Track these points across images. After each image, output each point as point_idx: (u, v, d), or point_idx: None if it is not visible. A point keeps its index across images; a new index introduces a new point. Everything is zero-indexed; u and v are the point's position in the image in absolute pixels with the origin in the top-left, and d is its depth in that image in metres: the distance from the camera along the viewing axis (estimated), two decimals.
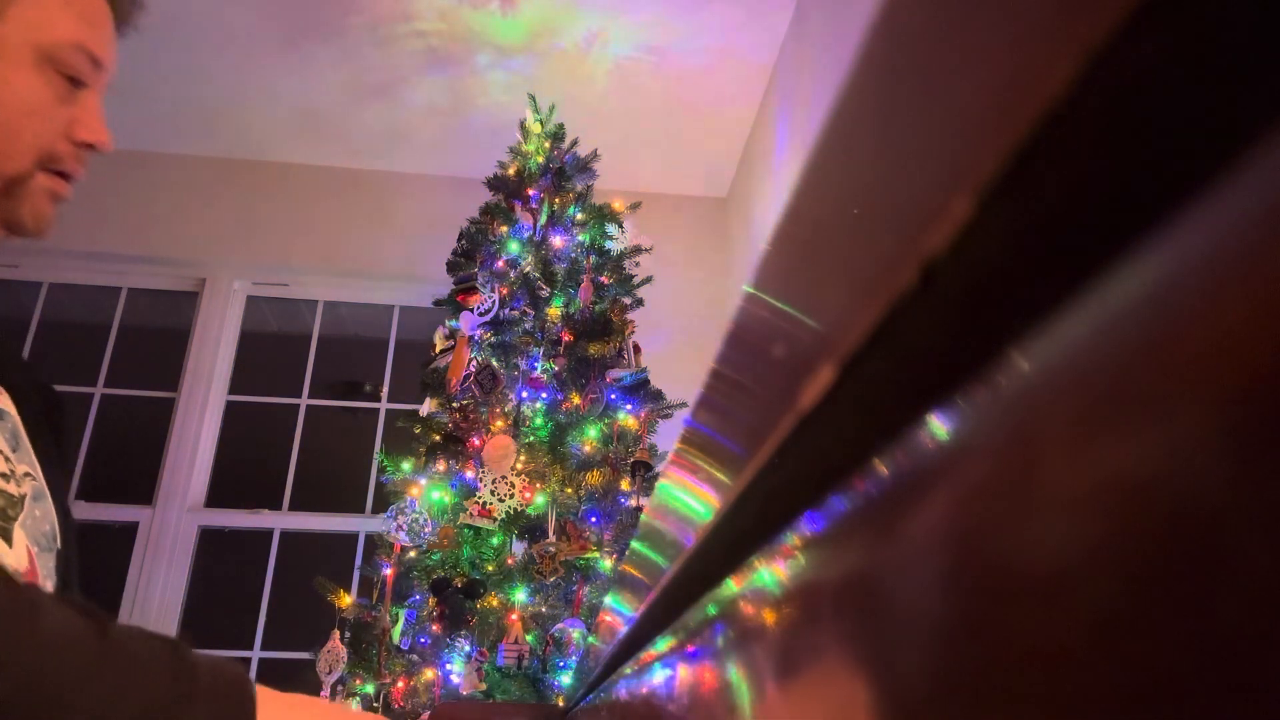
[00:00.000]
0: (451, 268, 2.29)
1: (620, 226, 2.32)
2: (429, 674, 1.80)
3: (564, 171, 2.35)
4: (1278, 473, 0.08)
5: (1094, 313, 0.11)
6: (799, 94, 2.60)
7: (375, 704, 1.83)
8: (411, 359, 2.80)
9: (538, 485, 1.92)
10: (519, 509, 1.88)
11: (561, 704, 1.63)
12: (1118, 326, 0.10)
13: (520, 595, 1.82)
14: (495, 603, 1.83)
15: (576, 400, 2.04)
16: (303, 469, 2.99)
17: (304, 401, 3.09)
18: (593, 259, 2.25)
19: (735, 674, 0.25)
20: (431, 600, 1.84)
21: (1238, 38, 0.09)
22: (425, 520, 1.91)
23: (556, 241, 2.27)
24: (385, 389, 3.12)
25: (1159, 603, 0.09)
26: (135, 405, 3.06)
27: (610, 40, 2.77)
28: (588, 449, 1.97)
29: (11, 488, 0.69)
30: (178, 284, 3.16)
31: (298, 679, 2.34)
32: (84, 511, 2.77)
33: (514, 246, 2.26)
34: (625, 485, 1.93)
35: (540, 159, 2.38)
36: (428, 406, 2.17)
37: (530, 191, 2.33)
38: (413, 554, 1.93)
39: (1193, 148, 0.10)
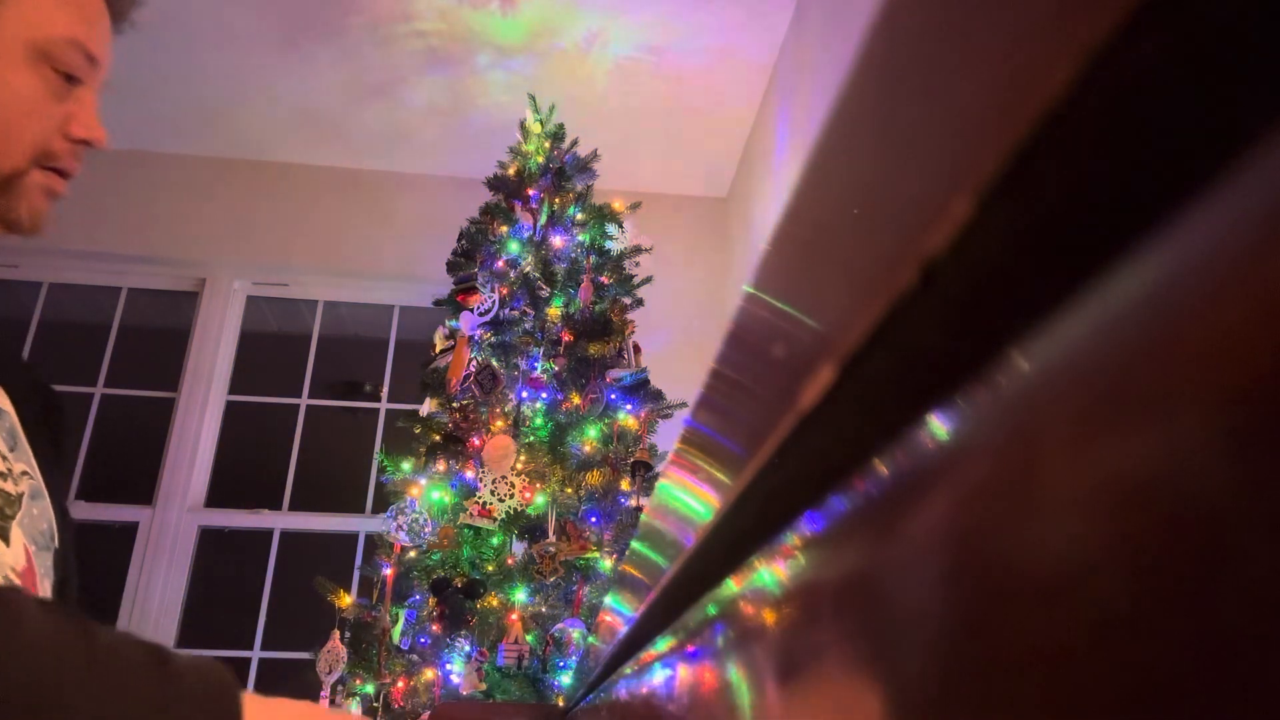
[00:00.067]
0: (451, 268, 2.29)
1: (620, 226, 2.32)
2: (429, 674, 1.80)
3: (564, 171, 2.35)
4: (1278, 473, 0.08)
5: (1094, 313, 0.11)
6: (799, 94, 2.60)
7: (375, 704, 1.83)
8: (411, 359, 2.80)
9: (538, 485, 1.92)
10: (519, 509, 1.88)
11: (561, 704, 1.63)
12: (1118, 326, 0.10)
13: (520, 595, 1.82)
14: (495, 603, 1.83)
15: (576, 400, 2.04)
16: (303, 469, 2.99)
17: (304, 401, 3.09)
18: (593, 259, 2.25)
19: (735, 674, 0.25)
20: (431, 600, 1.84)
21: (1238, 38, 0.09)
22: (425, 520, 1.91)
23: (556, 241, 2.27)
24: (385, 389, 3.12)
25: (1160, 603, 0.09)
26: (135, 405, 3.06)
27: (610, 40, 2.77)
28: (588, 449, 1.97)
29: (9, 486, 0.69)
30: (178, 284, 3.16)
31: (298, 679, 2.34)
32: (84, 511, 2.77)
33: (514, 246, 2.26)
34: (625, 485, 1.93)
35: (540, 159, 2.38)
36: (428, 406, 2.17)
37: (530, 191, 2.33)
38: (413, 554, 1.93)
39: (1193, 148, 0.10)
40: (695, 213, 3.32)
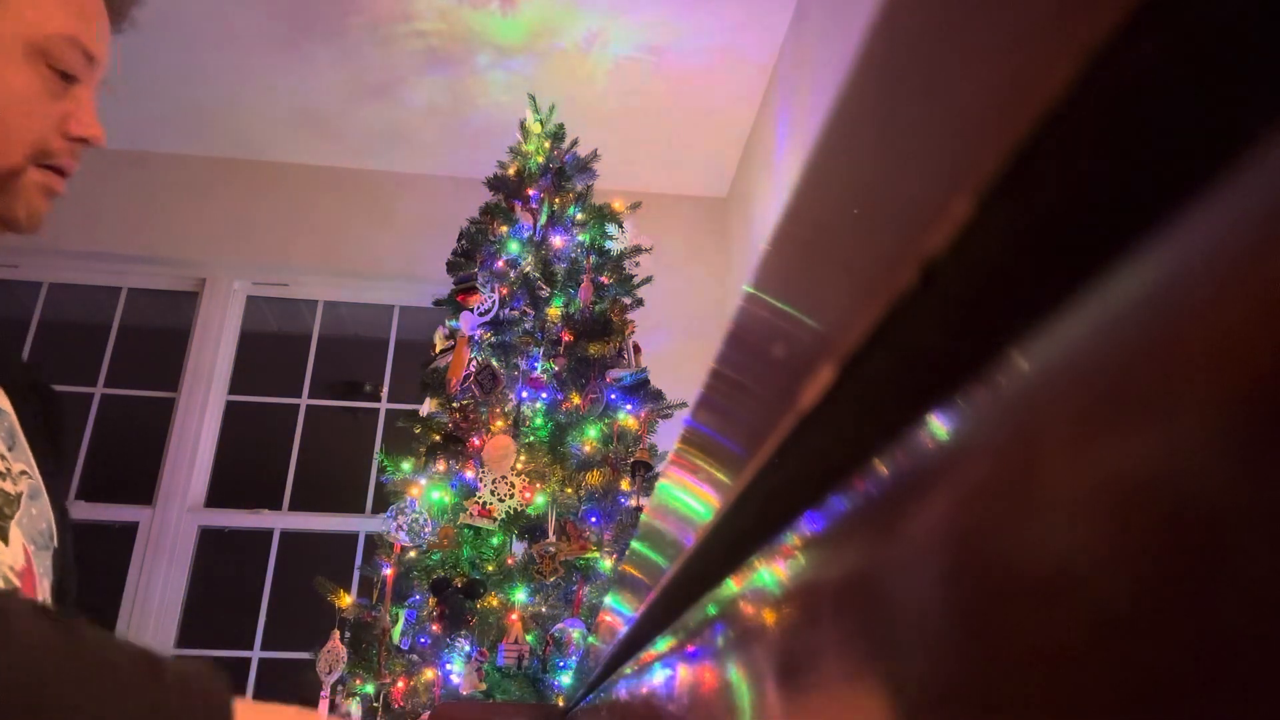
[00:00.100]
0: (451, 268, 2.29)
1: (620, 226, 2.32)
2: (429, 674, 1.80)
3: (564, 171, 2.35)
4: (1278, 473, 0.08)
5: (1094, 313, 0.11)
6: (799, 94, 2.60)
7: (375, 704, 1.84)
8: (411, 359, 2.80)
9: (538, 485, 1.92)
10: (519, 509, 1.88)
11: (561, 704, 1.63)
12: (1118, 326, 0.10)
13: (520, 595, 1.82)
14: (495, 603, 1.83)
15: (576, 400, 2.04)
16: (303, 469, 2.99)
17: (304, 401, 3.09)
18: (593, 259, 2.25)
19: (735, 674, 0.25)
20: (431, 600, 1.84)
21: (1238, 38, 0.09)
22: (425, 520, 1.91)
23: (556, 241, 2.27)
24: (385, 389, 3.12)
25: (1160, 603, 0.09)
26: (135, 405, 3.06)
27: (610, 40, 2.77)
28: (588, 449, 1.97)
29: (7, 485, 0.69)
30: (178, 284, 3.16)
31: (298, 679, 2.34)
32: (84, 511, 2.77)
33: (514, 246, 2.26)
34: (625, 485, 1.93)
35: (540, 159, 2.38)
36: (428, 406, 2.17)
37: (530, 191, 2.33)
38: (413, 554, 1.93)
39: (1193, 148, 0.10)
40: (695, 213, 3.32)
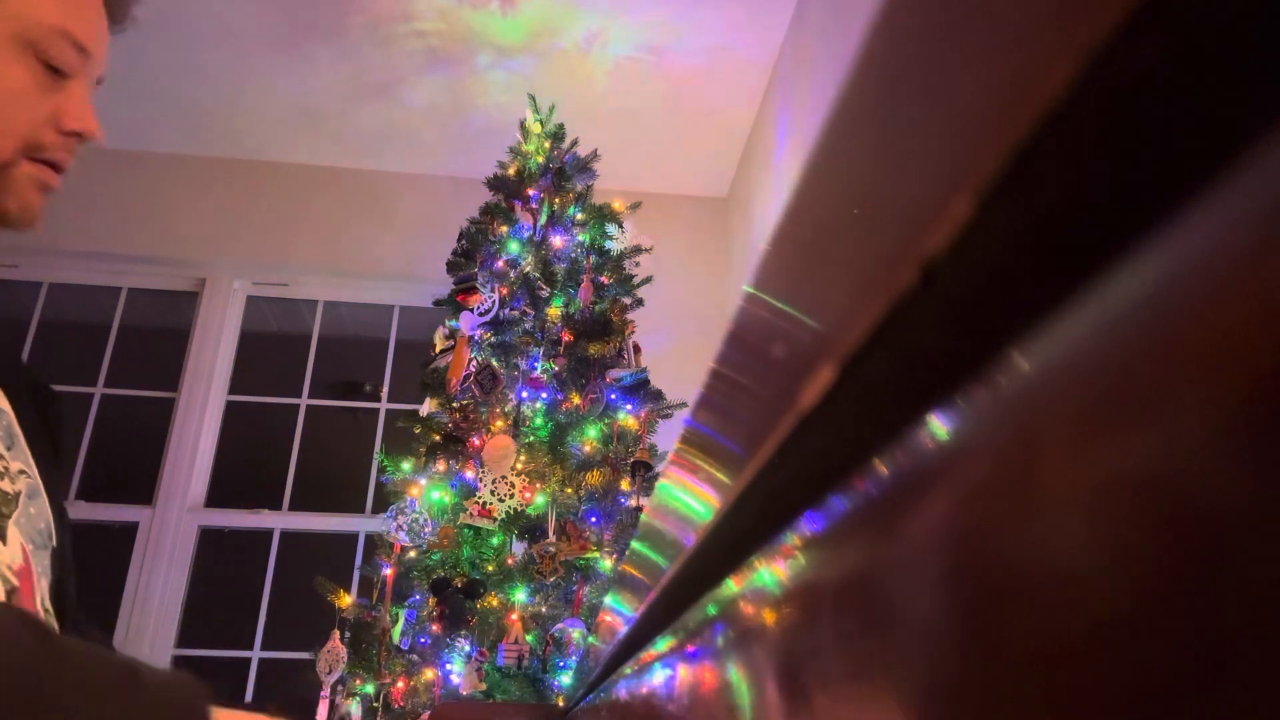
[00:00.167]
0: (451, 268, 2.29)
1: (620, 226, 2.32)
2: (429, 674, 1.80)
3: (564, 171, 2.35)
4: (1278, 473, 0.08)
5: (1094, 313, 0.11)
6: (799, 94, 2.60)
7: (375, 704, 1.84)
8: (411, 359, 2.80)
9: (538, 485, 1.92)
10: (519, 509, 1.88)
11: (561, 704, 1.63)
12: (1118, 326, 0.10)
13: (520, 595, 1.82)
14: (495, 603, 1.83)
15: (576, 400, 2.04)
16: (303, 469, 2.99)
17: (304, 401, 3.09)
18: (593, 259, 2.25)
19: (735, 674, 0.25)
20: (431, 600, 1.84)
21: (1238, 38, 0.09)
22: (425, 520, 1.91)
23: (556, 241, 2.27)
24: (385, 389, 3.13)
25: (1160, 603, 0.09)
26: (135, 405, 3.06)
27: (610, 40, 2.77)
28: (588, 449, 1.97)
29: (5, 485, 0.69)
30: (178, 284, 3.16)
31: (298, 679, 2.34)
32: (84, 511, 2.77)
33: (514, 246, 2.26)
34: (625, 485, 1.93)
35: (540, 159, 2.38)
36: (428, 406, 2.17)
37: (530, 191, 2.33)
38: (413, 554, 1.93)
39: (1193, 148, 0.10)
40: (695, 213, 3.32)
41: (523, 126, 2.49)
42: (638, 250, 2.32)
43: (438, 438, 2.02)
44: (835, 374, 0.15)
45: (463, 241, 2.33)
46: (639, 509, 1.90)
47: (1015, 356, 0.12)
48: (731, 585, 0.27)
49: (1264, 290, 0.08)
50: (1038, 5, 0.10)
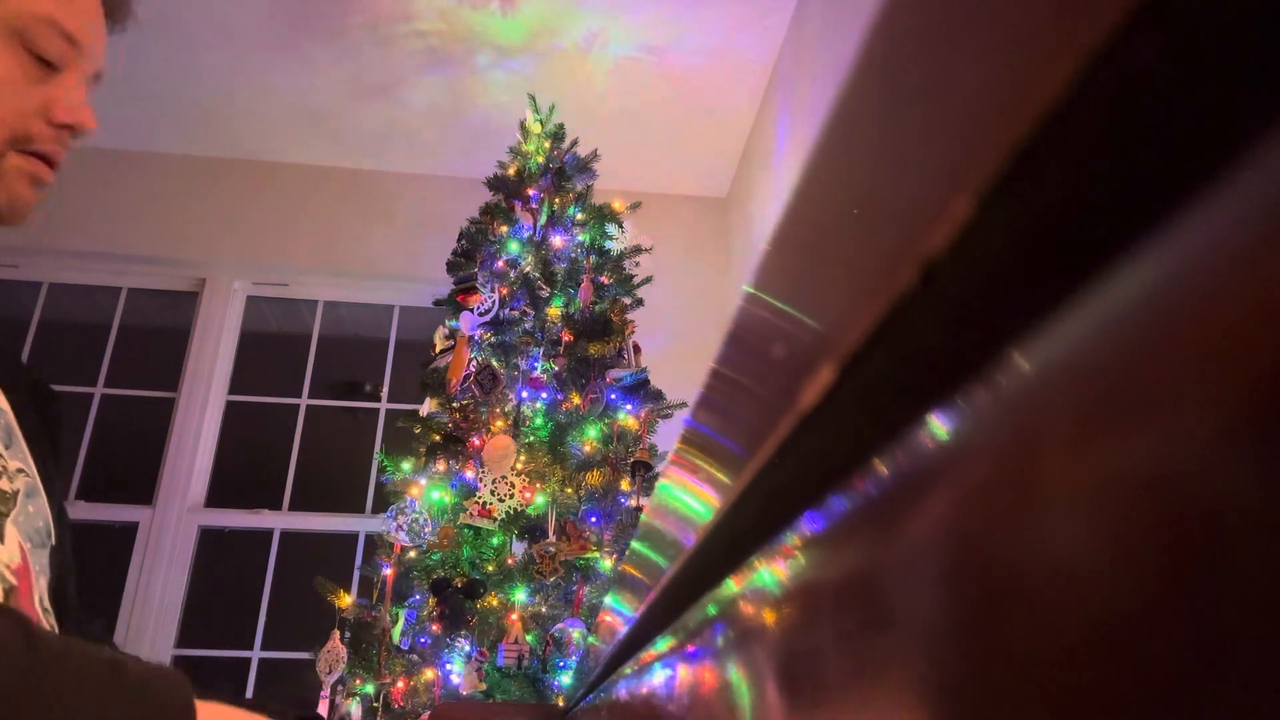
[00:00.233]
0: (451, 268, 2.29)
1: (620, 226, 2.32)
2: (429, 674, 1.80)
3: (564, 171, 2.35)
4: (1279, 473, 0.08)
5: (1094, 313, 0.11)
6: (799, 94, 2.60)
7: (375, 704, 1.84)
8: (411, 359, 2.80)
9: (538, 485, 1.92)
10: (519, 509, 1.88)
11: (561, 704, 1.63)
12: (1118, 326, 0.10)
13: (520, 595, 1.82)
14: (495, 603, 1.83)
15: (576, 400, 2.04)
16: (303, 469, 2.99)
17: (304, 401, 3.09)
18: (593, 259, 2.25)
19: (735, 674, 0.25)
20: (431, 600, 1.84)
21: (1238, 38, 0.09)
22: (425, 520, 1.91)
23: (556, 241, 2.27)
24: (385, 389, 3.13)
25: (1160, 603, 0.09)
26: (135, 405, 3.06)
27: (610, 40, 2.77)
28: (588, 449, 1.97)
29: (4, 483, 0.69)
30: (178, 284, 3.16)
31: (298, 679, 2.34)
32: (84, 511, 2.77)
33: (514, 246, 2.26)
34: (625, 485, 1.93)
35: (540, 159, 2.38)
36: (428, 406, 2.17)
37: (530, 191, 2.33)
38: (413, 554, 1.93)
39: (1193, 148, 0.10)
40: (695, 213, 3.32)
41: (523, 126, 2.49)
42: (638, 250, 2.32)
43: (438, 438, 2.02)
44: (835, 374, 0.15)
45: (463, 241, 2.33)
46: (639, 509, 1.90)
47: (1015, 356, 0.12)
48: (731, 585, 0.27)
49: (1264, 290, 0.08)
50: (1038, 5, 0.10)
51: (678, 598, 0.34)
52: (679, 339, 2.77)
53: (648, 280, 2.30)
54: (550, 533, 1.85)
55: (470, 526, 1.89)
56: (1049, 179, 0.11)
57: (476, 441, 1.99)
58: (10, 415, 0.73)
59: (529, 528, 1.89)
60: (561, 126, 2.47)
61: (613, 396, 2.04)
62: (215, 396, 3.01)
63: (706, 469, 0.26)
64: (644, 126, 3.04)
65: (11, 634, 0.47)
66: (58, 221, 2.86)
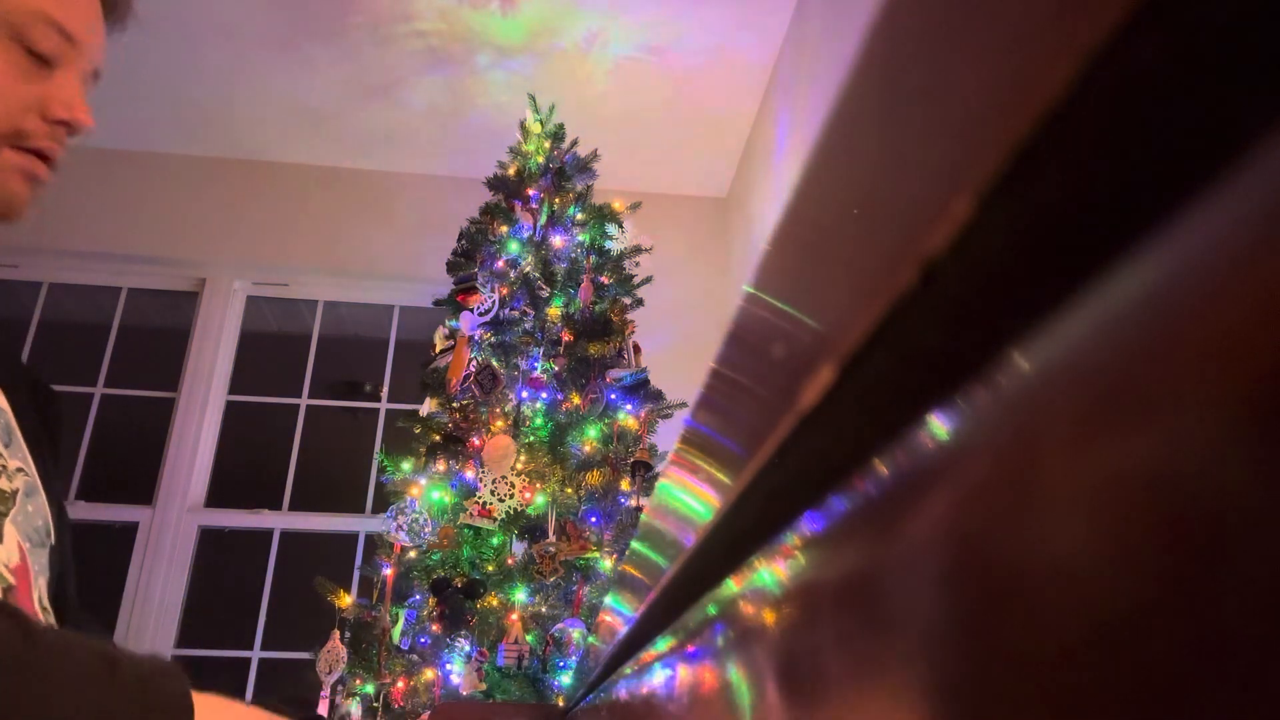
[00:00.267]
0: (451, 268, 2.29)
1: (620, 226, 2.32)
2: (429, 674, 1.80)
3: (564, 171, 2.35)
4: (1279, 473, 0.08)
5: (1094, 313, 0.11)
6: (799, 94, 2.60)
7: (375, 704, 1.83)
8: (411, 359, 2.80)
9: (538, 485, 1.92)
10: (519, 509, 1.88)
11: (561, 704, 1.63)
12: (1118, 326, 0.10)
13: (520, 595, 1.82)
14: (495, 603, 1.83)
15: (576, 400, 2.04)
16: (303, 469, 2.99)
17: (304, 401, 3.09)
18: (593, 259, 2.25)
19: (735, 674, 0.25)
20: (431, 600, 1.84)
21: (1238, 38, 0.09)
22: (425, 520, 1.91)
23: (556, 241, 2.27)
24: (385, 389, 3.13)
25: (1161, 603, 0.09)
26: (135, 405, 3.06)
27: (610, 40, 2.77)
28: (588, 449, 1.97)
29: (3, 482, 0.68)
30: (178, 284, 3.16)
31: (298, 679, 2.34)
32: (84, 511, 2.77)
33: (514, 246, 2.26)
34: (625, 485, 1.93)
35: (540, 159, 2.38)
36: (428, 406, 2.17)
37: (530, 191, 2.33)
38: (413, 554, 1.93)
39: (1193, 148, 0.10)
40: (695, 213, 3.32)
41: (523, 126, 2.49)
42: (637, 250, 2.32)
43: (438, 438, 2.02)
44: (835, 374, 0.15)
45: (463, 241, 2.33)
46: (639, 509, 1.90)
47: (1015, 356, 0.12)
48: (731, 585, 0.27)
49: (1264, 290, 0.08)
50: (1038, 5, 0.10)
51: (678, 598, 0.34)
52: (679, 339, 2.77)
53: (648, 280, 2.30)
54: (550, 533, 1.85)
55: (470, 526, 1.89)
56: (1049, 179, 0.11)
57: (476, 441, 1.98)
58: (10, 415, 0.73)
59: (529, 528, 1.89)
60: (561, 126, 2.47)
61: (613, 396, 2.04)
62: (215, 396, 3.01)
63: (706, 469, 0.26)
64: (644, 126, 3.04)
65: (9, 629, 0.47)
66: (57, 221, 2.86)
